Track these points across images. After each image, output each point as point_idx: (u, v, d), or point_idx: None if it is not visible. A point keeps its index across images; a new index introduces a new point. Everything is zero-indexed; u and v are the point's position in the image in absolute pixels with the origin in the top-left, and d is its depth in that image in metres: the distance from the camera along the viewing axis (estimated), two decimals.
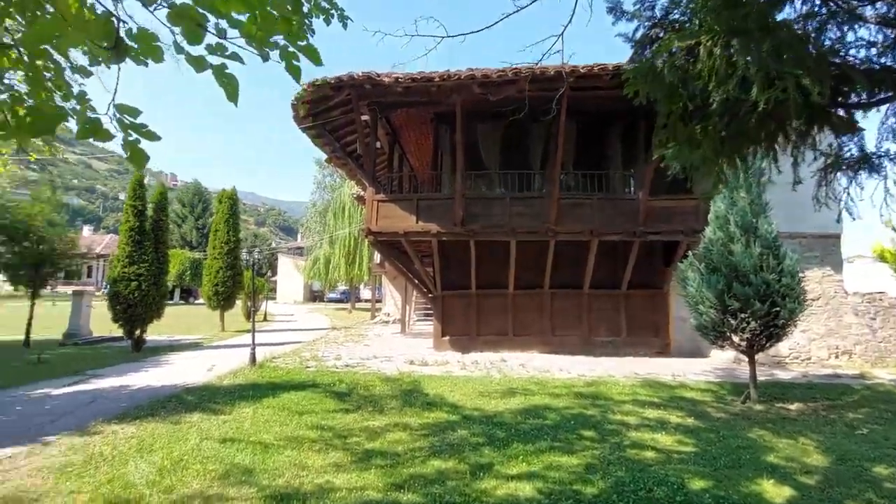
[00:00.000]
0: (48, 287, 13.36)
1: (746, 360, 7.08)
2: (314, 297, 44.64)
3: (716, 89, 3.15)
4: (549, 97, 9.78)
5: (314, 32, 2.22)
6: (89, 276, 42.23)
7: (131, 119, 1.73)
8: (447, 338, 11.41)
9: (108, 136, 1.70)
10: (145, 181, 11.73)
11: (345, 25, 2.54)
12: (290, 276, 42.49)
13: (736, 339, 6.77)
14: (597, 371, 8.98)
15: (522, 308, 11.48)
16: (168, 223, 12.55)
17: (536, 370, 9.08)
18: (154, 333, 12.97)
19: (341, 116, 11.49)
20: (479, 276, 11.20)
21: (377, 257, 21.24)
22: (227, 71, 1.85)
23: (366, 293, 40.75)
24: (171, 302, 28.45)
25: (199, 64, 1.81)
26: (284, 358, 10.29)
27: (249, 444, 4.76)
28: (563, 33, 4.40)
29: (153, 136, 1.81)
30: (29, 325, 11.91)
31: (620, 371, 9.01)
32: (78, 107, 1.99)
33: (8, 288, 21.78)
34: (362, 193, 20.47)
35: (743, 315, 6.43)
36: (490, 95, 9.77)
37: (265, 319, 21.84)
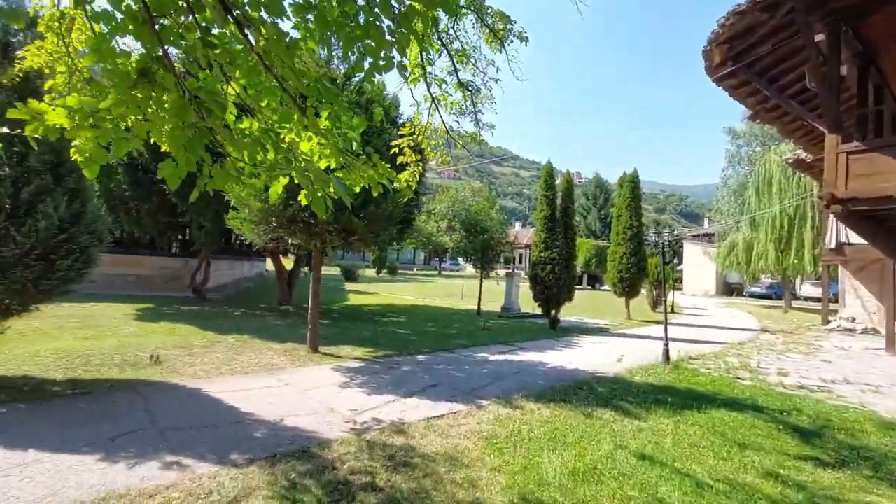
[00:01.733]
0: (494, 270, 16.72)
1: None
2: (730, 289, 38.27)
3: None
4: None
5: None
6: (520, 262, 51.97)
7: None
8: None
9: None
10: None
11: None
12: (697, 266, 38.25)
13: None
14: None
15: None
16: (574, 211, 13.13)
17: None
18: (565, 314, 13.84)
19: (772, 51, 8.52)
20: None
21: (830, 240, 15.54)
22: None
23: (806, 289, 31.72)
24: (579, 287, 30.94)
25: None
26: (704, 360, 8.53)
27: (676, 473, 3.62)
28: None
29: None
30: (479, 298, 15.12)
31: None
32: None
33: (471, 269, 29.72)
34: (802, 155, 15.39)
35: None
36: None
37: (673, 311, 20.07)
